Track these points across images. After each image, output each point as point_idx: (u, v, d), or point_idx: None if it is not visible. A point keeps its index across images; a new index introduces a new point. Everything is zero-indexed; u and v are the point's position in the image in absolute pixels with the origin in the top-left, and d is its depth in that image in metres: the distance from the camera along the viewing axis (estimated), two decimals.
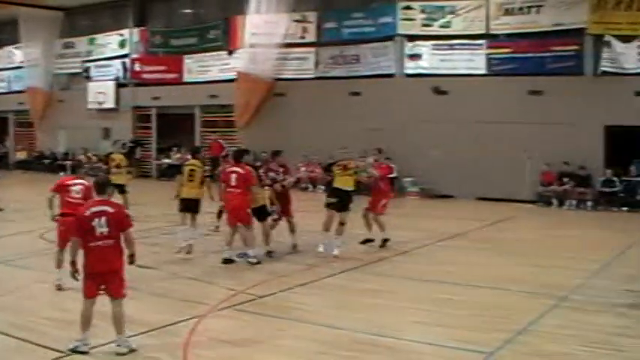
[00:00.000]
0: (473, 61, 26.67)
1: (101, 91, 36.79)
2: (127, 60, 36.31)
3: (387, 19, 28.07)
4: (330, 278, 12.64)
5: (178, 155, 31.41)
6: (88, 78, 37.95)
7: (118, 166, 19.63)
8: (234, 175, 13.45)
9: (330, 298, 11.44)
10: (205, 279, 12.38)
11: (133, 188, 21.77)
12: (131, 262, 8.50)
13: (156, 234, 17.06)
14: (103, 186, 8.58)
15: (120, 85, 36.48)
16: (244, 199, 13.44)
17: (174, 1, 35.51)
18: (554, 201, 24.56)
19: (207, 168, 16.13)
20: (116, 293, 8.29)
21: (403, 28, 27.72)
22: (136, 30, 35.94)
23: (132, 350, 8.28)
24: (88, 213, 8.24)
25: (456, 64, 26.95)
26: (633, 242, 17.06)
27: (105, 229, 8.18)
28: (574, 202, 24.21)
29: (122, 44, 36.49)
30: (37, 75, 39.83)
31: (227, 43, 32.37)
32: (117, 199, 15.94)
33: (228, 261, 13.51)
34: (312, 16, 29.86)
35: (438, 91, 26.79)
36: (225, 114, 32.48)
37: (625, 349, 8.68)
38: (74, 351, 8.23)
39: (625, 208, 23.58)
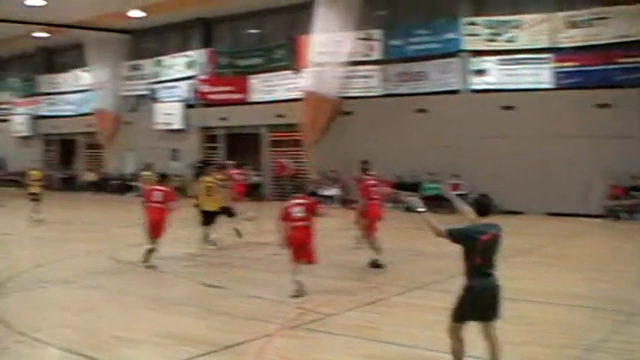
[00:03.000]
0: (539, 75, 27.64)
1: (168, 112, 39.09)
2: (193, 81, 38.38)
3: (452, 35, 29.21)
4: (398, 297, 13.05)
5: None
6: (155, 99, 40.36)
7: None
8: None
9: (398, 316, 11.70)
10: (274, 298, 12.76)
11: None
12: None
13: (223, 253, 18.46)
14: None
15: (187, 106, 38.61)
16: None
17: (239, 21, 37.36)
18: (623, 215, 25.49)
19: (225, 183, 19.21)
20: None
21: (468, 43, 28.88)
22: (202, 51, 38.04)
23: None
24: None
25: (521, 79, 27.94)
26: None
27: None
28: None
29: (189, 65, 38.65)
30: (105, 97, 42.51)
31: (293, 62, 33.88)
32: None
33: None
34: (377, 33, 31.12)
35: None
36: (292, 133, 34.07)
37: None
38: None
39: None
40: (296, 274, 12.90)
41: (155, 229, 16.10)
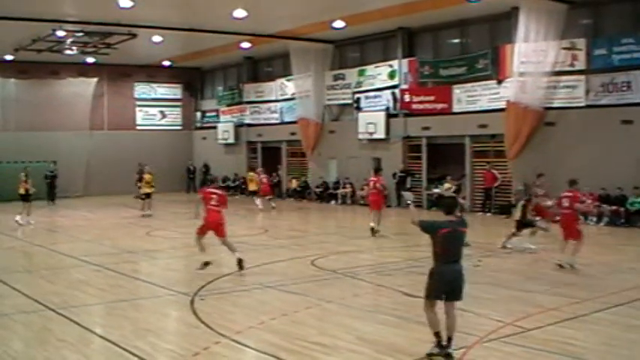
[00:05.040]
0: None
1: (371, 122, 41.06)
2: (396, 90, 40.14)
3: None
4: (601, 313, 13.40)
5: (447, 185, 35.07)
6: (359, 109, 42.47)
7: None
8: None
9: (599, 333, 12.04)
10: (474, 310, 13.24)
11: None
12: None
13: (425, 262, 20.04)
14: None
15: (390, 116, 40.43)
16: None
17: (441, 31, 38.82)
18: None
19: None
20: None
21: None
22: (405, 61, 39.71)
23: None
24: None
25: None
26: None
27: None
28: None
29: (392, 75, 40.43)
30: (308, 106, 45.06)
31: (496, 72, 34.75)
32: None
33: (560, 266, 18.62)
34: (581, 43, 31.46)
35: None
36: (495, 144, 35.28)
37: None
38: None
39: None
40: None
41: None
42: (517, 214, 23.17)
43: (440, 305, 10.87)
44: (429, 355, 10.68)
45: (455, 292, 10.78)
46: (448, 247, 10.68)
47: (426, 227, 10.92)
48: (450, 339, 10.66)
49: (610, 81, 30.70)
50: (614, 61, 30.60)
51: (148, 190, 36.31)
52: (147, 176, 36.70)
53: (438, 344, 10.64)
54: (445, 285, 10.73)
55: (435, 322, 10.75)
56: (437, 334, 10.67)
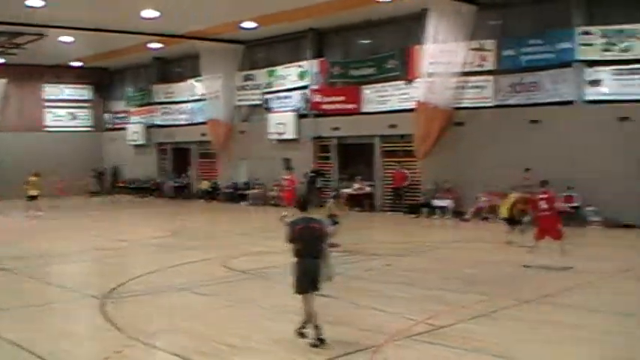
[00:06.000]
0: None
1: (281, 122, 40.44)
2: (306, 91, 39.64)
3: (566, 45, 29.21)
4: (511, 310, 13.44)
5: (357, 185, 34.83)
6: (268, 109, 41.85)
7: None
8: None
9: (511, 330, 12.04)
10: (386, 309, 13.36)
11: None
12: None
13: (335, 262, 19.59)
14: None
15: (300, 116, 39.89)
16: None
17: (351, 31, 38.24)
18: None
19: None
20: None
21: (582, 53, 28.88)
22: (315, 61, 39.19)
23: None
24: None
25: (638, 89, 27.76)
26: None
27: None
28: None
29: (302, 76, 39.88)
30: (218, 107, 44.09)
31: (405, 72, 34.65)
32: None
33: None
34: (489, 44, 31.44)
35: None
36: (405, 144, 34.82)
37: None
38: None
39: None
40: None
41: None
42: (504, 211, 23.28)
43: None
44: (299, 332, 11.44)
45: (313, 283, 11.23)
46: (303, 242, 11.22)
47: (288, 226, 11.53)
48: (317, 326, 11.20)
49: (518, 81, 30.85)
50: (522, 62, 30.74)
51: (33, 193, 35.92)
52: (32, 178, 36.19)
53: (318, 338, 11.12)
54: (305, 278, 11.23)
55: (309, 316, 11.28)
56: (316, 327, 11.18)
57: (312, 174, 37.80)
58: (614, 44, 28.52)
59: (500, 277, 17.38)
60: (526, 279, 17.11)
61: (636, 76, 28.06)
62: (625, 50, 28.27)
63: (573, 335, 11.66)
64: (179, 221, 32.81)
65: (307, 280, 11.19)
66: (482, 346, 10.95)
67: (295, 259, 11.34)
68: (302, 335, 11.29)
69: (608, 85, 28.74)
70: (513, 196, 23.11)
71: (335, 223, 21.19)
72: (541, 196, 19.63)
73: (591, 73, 29.06)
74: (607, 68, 28.73)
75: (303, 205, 11.74)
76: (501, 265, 18.83)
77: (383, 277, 17.49)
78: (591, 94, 29.04)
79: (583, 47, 29.05)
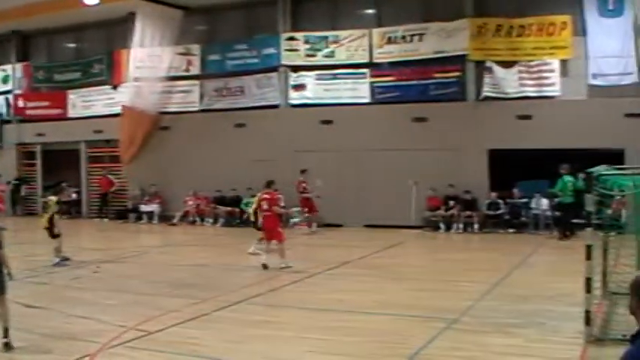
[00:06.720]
0: (357, 90, 28.27)
1: None
2: (9, 96, 37.29)
3: (271, 50, 29.47)
4: (221, 311, 13.30)
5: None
6: None
7: None
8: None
9: (222, 331, 11.88)
10: (96, 316, 12.76)
11: (17, 226, 23.19)
12: None
13: (42, 272, 18.07)
14: None
15: (3, 122, 37.50)
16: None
17: (57, 35, 36.57)
18: (442, 225, 26.52)
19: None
20: None
21: (287, 58, 29.18)
22: (18, 65, 36.99)
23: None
24: None
25: (340, 94, 28.47)
26: (519, 263, 18.69)
27: None
28: (461, 225, 26.28)
29: (5, 80, 37.49)
30: None
31: (111, 77, 33.55)
32: None
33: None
34: (195, 48, 31.13)
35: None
36: (110, 149, 33.72)
37: None
38: None
39: (511, 230, 25.69)
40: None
41: None
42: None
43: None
44: None
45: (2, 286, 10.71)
46: None
47: None
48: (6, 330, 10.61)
49: (224, 86, 30.72)
50: (227, 67, 30.69)
51: None
52: None
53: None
54: None
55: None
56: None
57: (17, 181, 35.80)
58: (317, 50, 28.98)
59: (211, 279, 17.13)
60: (237, 280, 16.95)
61: (338, 81, 28.65)
62: (328, 56, 28.81)
63: (280, 333, 11.63)
64: None
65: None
66: (195, 349, 10.70)
67: None
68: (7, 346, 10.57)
69: (312, 89, 29.08)
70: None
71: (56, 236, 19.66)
72: (264, 196, 18.97)
73: (296, 78, 29.35)
74: (311, 73, 29.09)
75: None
76: (211, 268, 18.55)
77: (92, 284, 16.62)
78: (296, 98, 29.31)
79: (288, 52, 29.34)
